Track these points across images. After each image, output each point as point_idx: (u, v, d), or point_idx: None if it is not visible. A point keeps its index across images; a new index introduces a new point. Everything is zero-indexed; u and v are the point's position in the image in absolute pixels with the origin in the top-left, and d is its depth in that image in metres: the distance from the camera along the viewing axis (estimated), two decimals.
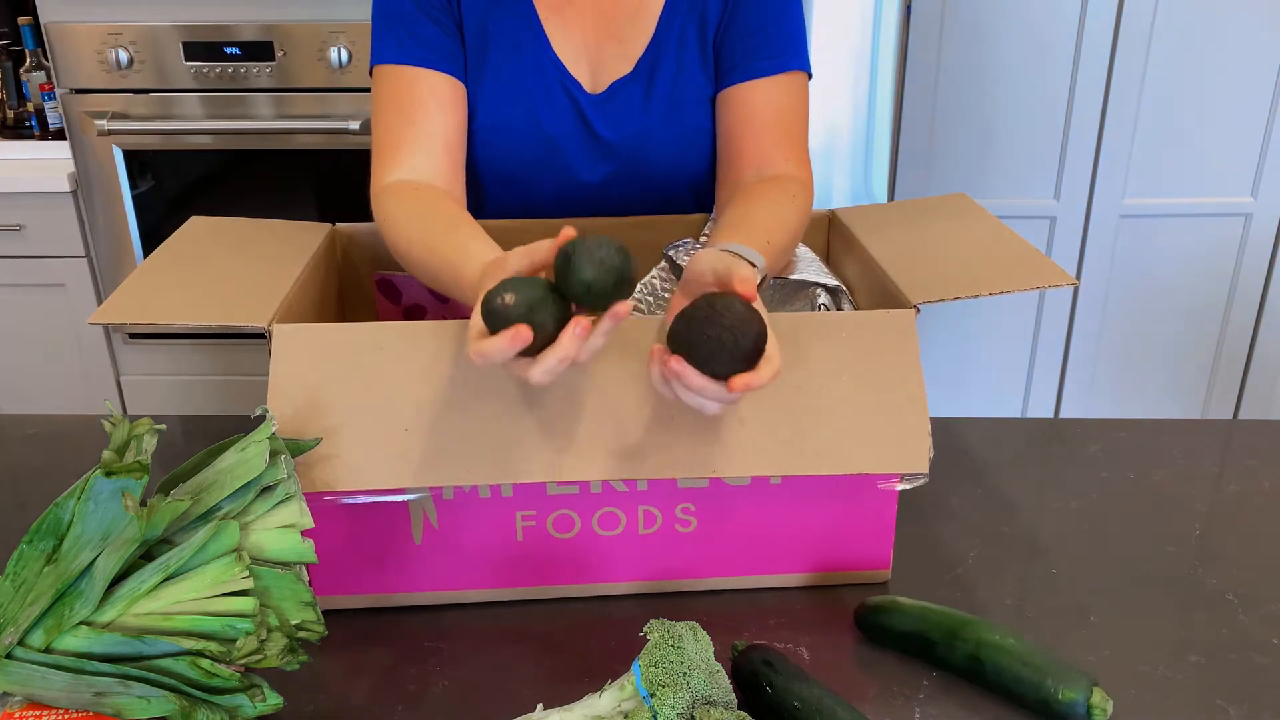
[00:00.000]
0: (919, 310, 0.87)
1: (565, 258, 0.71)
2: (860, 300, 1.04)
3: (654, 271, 1.11)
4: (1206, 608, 0.89)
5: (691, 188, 1.15)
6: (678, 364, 0.72)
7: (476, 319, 0.73)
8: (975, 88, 2.17)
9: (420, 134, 1.03)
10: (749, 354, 0.72)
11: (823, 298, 1.00)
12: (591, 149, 1.11)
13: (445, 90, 1.05)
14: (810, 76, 1.09)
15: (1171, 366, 2.43)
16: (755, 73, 1.06)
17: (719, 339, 0.71)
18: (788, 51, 1.06)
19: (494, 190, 1.16)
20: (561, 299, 0.72)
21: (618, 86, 1.10)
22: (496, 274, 0.75)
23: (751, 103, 1.06)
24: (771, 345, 0.74)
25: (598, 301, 0.71)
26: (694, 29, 1.08)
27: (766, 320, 0.75)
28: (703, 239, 1.13)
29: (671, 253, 1.11)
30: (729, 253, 0.81)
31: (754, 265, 0.81)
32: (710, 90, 1.10)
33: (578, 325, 0.70)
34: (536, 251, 0.74)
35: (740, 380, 0.72)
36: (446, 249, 0.89)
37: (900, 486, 0.86)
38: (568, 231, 0.73)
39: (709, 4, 1.08)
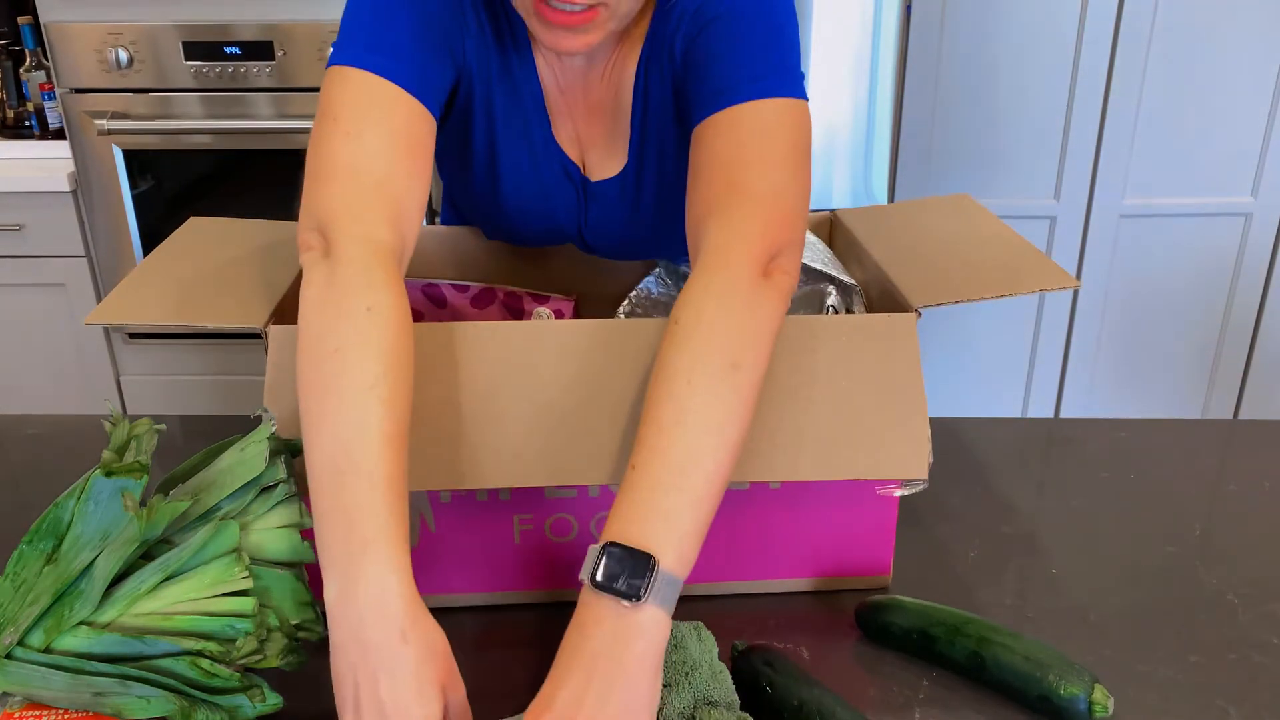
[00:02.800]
0: (920, 314, 0.87)
1: None
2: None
3: (650, 276, 1.11)
4: (1206, 608, 0.89)
5: None
6: None
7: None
8: (975, 88, 2.17)
9: (380, 180, 0.80)
10: None
11: (831, 298, 1.00)
12: (586, 232, 1.06)
13: (418, 118, 0.85)
14: (801, 98, 0.87)
15: (1171, 366, 2.43)
16: (716, 106, 0.85)
17: None
18: (752, 81, 0.85)
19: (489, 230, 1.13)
20: None
21: (607, 184, 1.01)
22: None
23: (715, 135, 0.84)
24: None
25: None
26: (672, 110, 0.95)
27: None
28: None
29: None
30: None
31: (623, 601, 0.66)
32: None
33: None
34: None
35: None
36: (360, 501, 0.68)
37: (900, 493, 0.86)
38: None
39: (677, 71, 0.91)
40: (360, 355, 0.72)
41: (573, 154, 1.01)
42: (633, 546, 0.67)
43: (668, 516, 0.68)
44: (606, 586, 0.66)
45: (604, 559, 0.67)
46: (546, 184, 1.02)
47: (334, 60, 0.84)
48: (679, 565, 0.67)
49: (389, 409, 0.71)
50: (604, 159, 1.01)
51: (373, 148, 0.81)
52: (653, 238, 1.06)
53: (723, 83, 0.85)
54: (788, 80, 0.86)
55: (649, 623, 0.66)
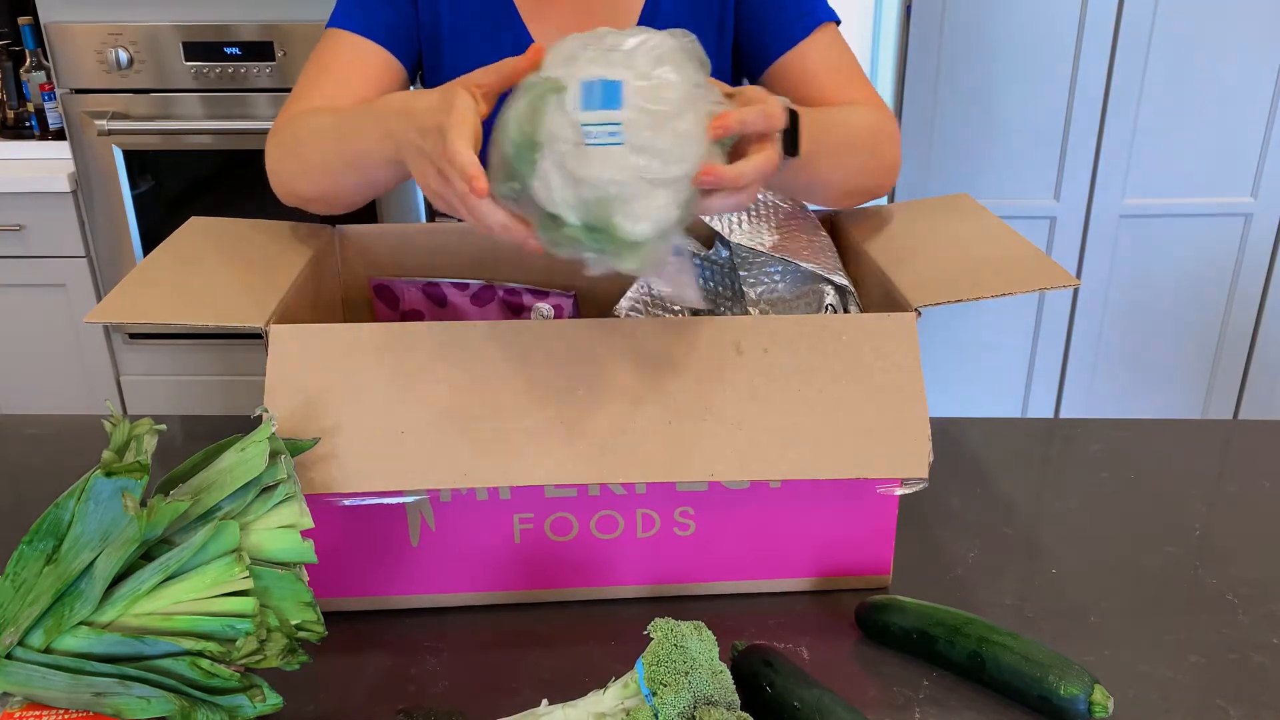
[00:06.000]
0: (920, 314, 0.87)
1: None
2: (861, 302, 1.04)
3: None
4: (1206, 608, 0.89)
5: None
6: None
7: (465, 148, 0.71)
8: (975, 88, 2.17)
9: (338, 90, 1.01)
10: None
11: (830, 298, 1.00)
12: None
13: (375, 61, 1.04)
14: (839, 23, 1.09)
15: (1171, 366, 2.43)
16: (792, 39, 1.06)
17: None
18: (813, 9, 1.07)
19: None
20: None
21: None
22: (460, 89, 0.74)
23: (803, 67, 1.06)
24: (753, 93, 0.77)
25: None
26: (688, 12, 1.08)
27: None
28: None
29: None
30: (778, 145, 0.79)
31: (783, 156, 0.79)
32: (725, 66, 1.10)
33: None
34: (504, 67, 0.74)
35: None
36: (361, 107, 0.88)
37: (900, 491, 0.86)
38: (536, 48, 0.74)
39: None
40: (316, 110, 0.95)
41: None
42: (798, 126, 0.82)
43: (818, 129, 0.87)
44: (792, 129, 0.81)
45: (791, 114, 0.80)
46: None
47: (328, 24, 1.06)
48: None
49: None
50: None
51: (344, 85, 1.02)
52: None
53: (784, 23, 1.06)
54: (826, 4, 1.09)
55: None
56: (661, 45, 0.72)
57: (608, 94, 0.69)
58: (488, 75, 0.74)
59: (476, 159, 0.70)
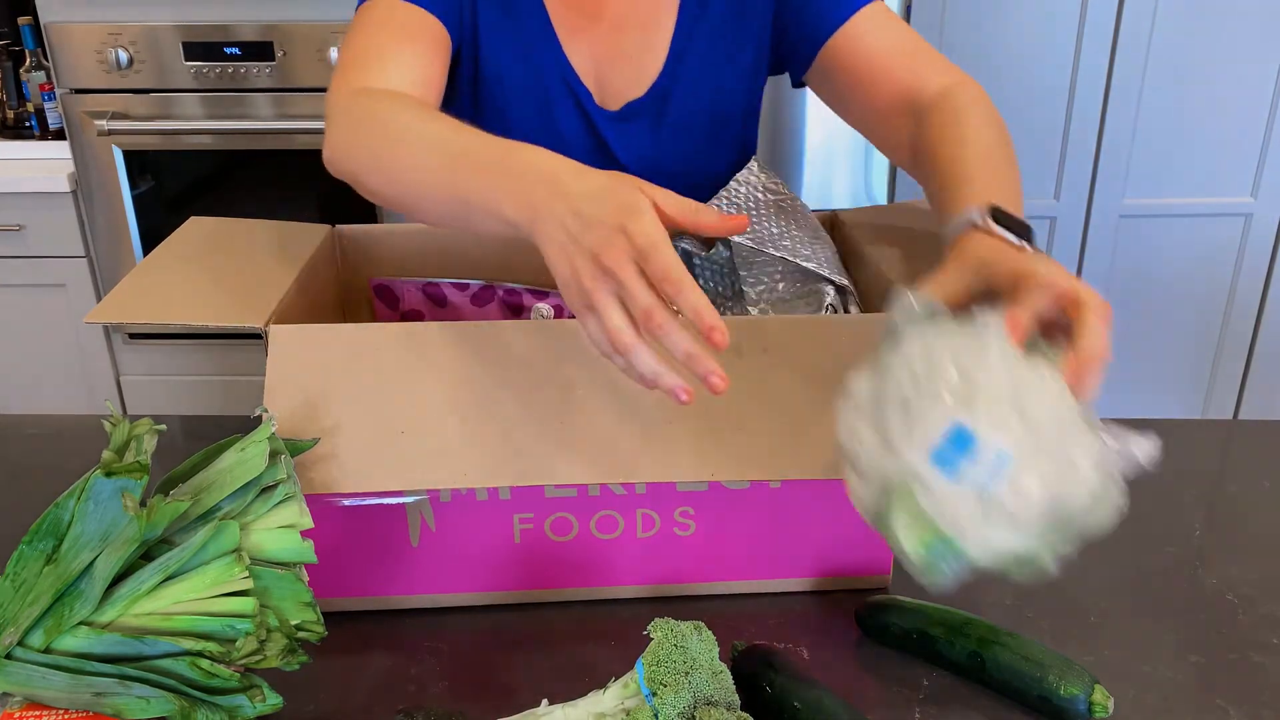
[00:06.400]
0: None
1: None
2: (862, 302, 1.04)
3: None
4: (1206, 608, 0.89)
5: (712, 183, 1.13)
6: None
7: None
8: None
9: (406, 57, 0.92)
10: None
11: (830, 298, 1.00)
12: (610, 168, 1.10)
13: (433, 30, 0.95)
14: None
15: (1171, 366, 2.43)
16: (844, 13, 1.01)
17: None
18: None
19: None
20: None
21: (630, 110, 1.07)
22: (637, 191, 0.65)
23: (861, 37, 1.01)
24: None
25: None
26: (715, 24, 1.06)
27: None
28: (745, 183, 1.11)
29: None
30: (1015, 246, 0.71)
31: (1027, 246, 0.72)
32: (761, 64, 1.09)
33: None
34: (693, 211, 0.67)
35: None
36: (484, 146, 0.74)
37: None
38: None
39: None
40: (406, 102, 0.85)
41: (585, 76, 1.05)
42: (1007, 211, 0.74)
43: (1017, 202, 0.79)
44: (1005, 221, 0.72)
45: (993, 213, 0.73)
46: (550, 100, 1.06)
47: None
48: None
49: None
50: (626, 81, 1.06)
51: (418, 51, 0.94)
52: (672, 159, 1.09)
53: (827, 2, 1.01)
54: None
55: None
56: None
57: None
58: (669, 202, 0.65)
59: (708, 301, 0.63)
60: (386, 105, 0.84)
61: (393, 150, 0.80)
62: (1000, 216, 0.73)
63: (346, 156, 0.84)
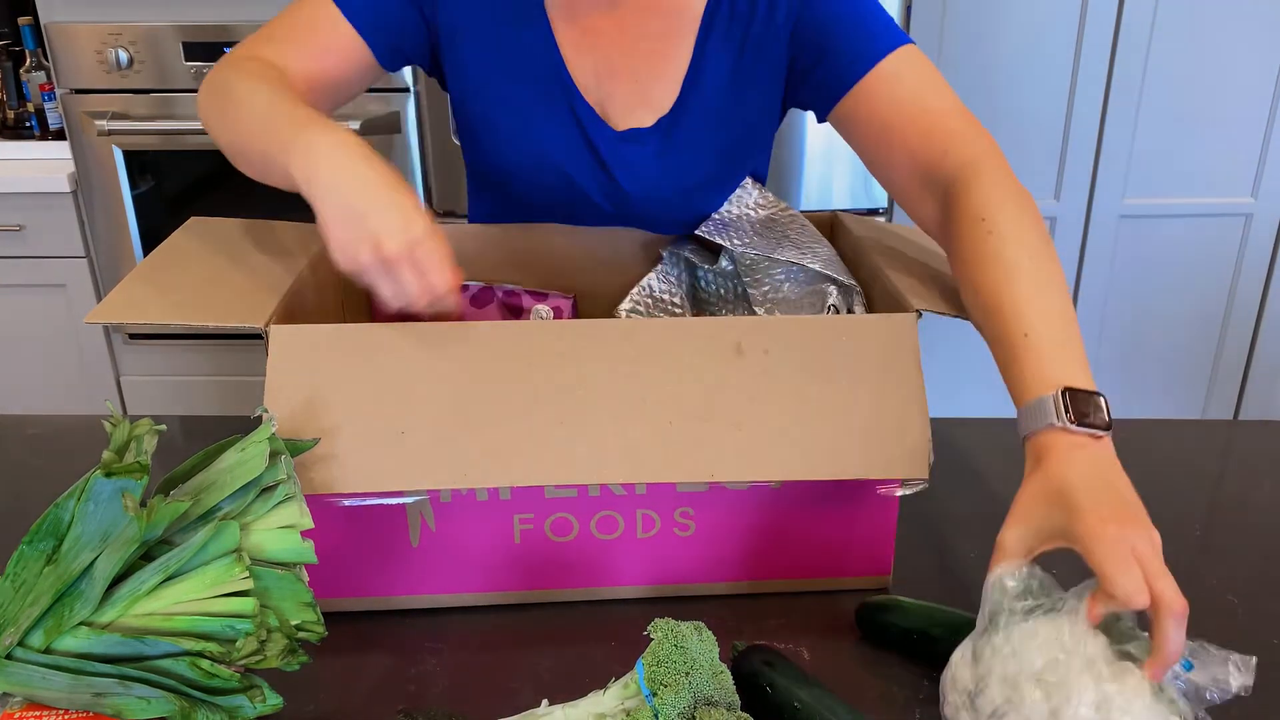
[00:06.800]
0: (920, 314, 0.87)
1: None
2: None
3: (652, 273, 1.11)
4: (1206, 608, 0.89)
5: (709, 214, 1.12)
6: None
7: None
8: (975, 88, 2.17)
9: (297, 55, 1.00)
10: None
11: (832, 298, 1.00)
12: (607, 188, 1.08)
13: (345, 45, 1.02)
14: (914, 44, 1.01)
15: (1171, 366, 2.43)
16: (870, 60, 0.97)
17: None
18: (886, 32, 0.99)
19: (486, 193, 1.16)
20: None
21: (635, 134, 1.06)
22: (426, 220, 0.81)
23: (890, 83, 0.97)
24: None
25: None
26: (731, 59, 1.04)
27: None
28: (738, 201, 1.11)
29: (670, 251, 1.11)
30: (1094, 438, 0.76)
31: (1105, 434, 0.76)
32: (774, 102, 1.07)
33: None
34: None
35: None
36: (292, 115, 0.88)
37: (900, 492, 0.86)
38: None
39: (770, 33, 1.02)
40: (265, 75, 0.95)
41: (589, 94, 1.05)
42: (1080, 389, 0.76)
43: (1083, 361, 0.79)
44: (1084, 422, 0.75)
45: (1067, 401, 0.75)
46: (550, 127, 1.05)
47: None
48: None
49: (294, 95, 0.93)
50: (634, 107, 1.05)
51: (314, 49, 1.01)
52: (675, 193, 1.08)
53: (859, 45, 0.98)
54: (896, 28, 1.01)
55: (1110, 445, 0.77)
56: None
57: None
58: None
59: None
60: (243, 74, 0.96)
61: (227, 107, 0.96)
62: (1076, 400, 0.76)
63: (201, 108, 1.00)
